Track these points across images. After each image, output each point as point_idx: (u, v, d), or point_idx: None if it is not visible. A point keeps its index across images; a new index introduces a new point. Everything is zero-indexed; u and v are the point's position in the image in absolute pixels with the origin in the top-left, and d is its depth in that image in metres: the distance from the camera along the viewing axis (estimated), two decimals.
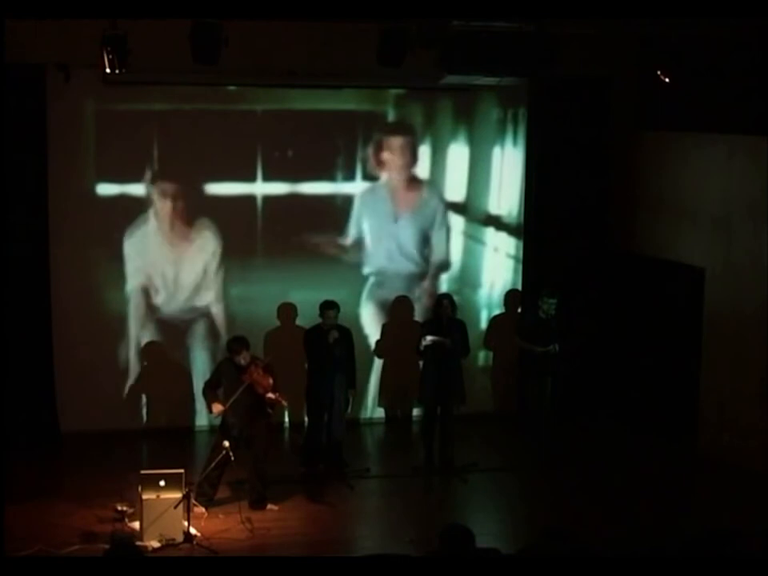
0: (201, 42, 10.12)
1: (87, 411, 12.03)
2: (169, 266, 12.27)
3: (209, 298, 12.43)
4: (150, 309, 12.28)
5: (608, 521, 10.06)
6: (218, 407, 10.20)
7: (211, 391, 10.36)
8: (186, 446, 11.96)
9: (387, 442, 12.80)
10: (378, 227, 12.77)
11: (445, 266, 13.02)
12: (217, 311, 12.45)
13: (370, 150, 12.66)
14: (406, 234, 12.86)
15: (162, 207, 12.18)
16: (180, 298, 12.35)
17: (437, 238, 12.95)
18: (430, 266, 12.97)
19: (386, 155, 12.70)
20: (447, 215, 12.96)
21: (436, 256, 12.98)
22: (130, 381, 12.32)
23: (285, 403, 10.52)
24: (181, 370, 12.43)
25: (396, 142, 12.71)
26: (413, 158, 12.81)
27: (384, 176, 12.74)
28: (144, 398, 12.35)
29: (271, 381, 10.22)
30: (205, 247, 12.34)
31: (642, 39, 12.09)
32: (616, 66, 12.56)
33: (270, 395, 10.21)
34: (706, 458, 11.77)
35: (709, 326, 11.97)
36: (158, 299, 12.28)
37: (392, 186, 12.79)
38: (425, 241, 12.93)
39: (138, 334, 12.31)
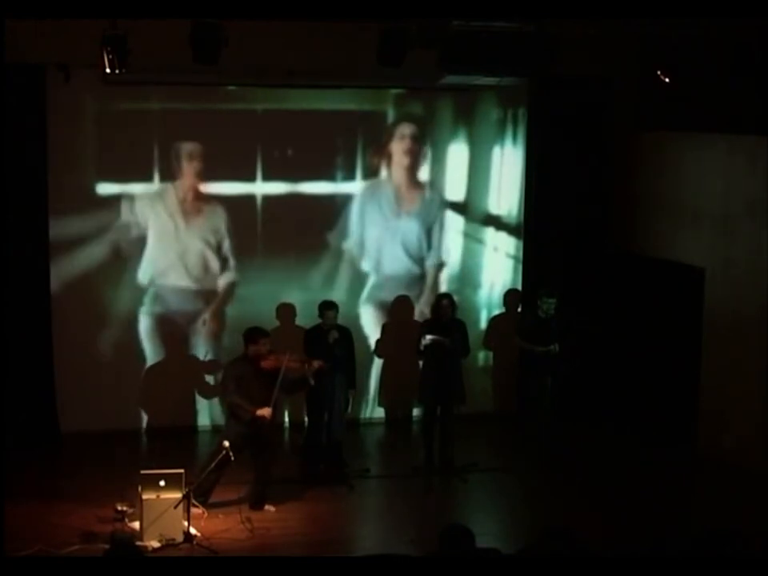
0: (201, 41, 10.13)
1: (87, 411, 12.03)
2: (176, 241, 12.26)
3: (220, 279, 12.41)
4: (151, 296, 12.26)
5: (608, 521, 10.06)
6: (266, 410, 10.03)
7: (243, 398, 10.14)
8: (186, 445, 11.96)
9: (387, 442, 12.80)
10: (381, 226, 12.78)
11: (446, 264, 13.03)
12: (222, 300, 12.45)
13: (375, 148, 12.69)
14: (410, 234, 12.88)
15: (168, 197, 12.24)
16: (190, 272, 12.32)
17: (439, 238, 12.97)
18: (431, 266, 12.98)
19: (393, 155, 12.74)
20: (447, 215, 12.97)
21: (439, 255, 12.99)
22: (131, 380, 12.32)
23: (323, 364, 10.58)
24: (182, 370, 12.43)
25: (403, 143, 12.74)
26: (419, 159, 12.84)
27: (385, 173, 12.75)
28: (145, 398, 12.35)
29: (299, 354, 10.36)
30: (213, 220, 12.33)
31: (642, 39, 12.09)
32: (616, 66, 12.56)
33: (314, 363, 10.33)
34: (706, 459, 11.77)
35: (709, 326, 11.97)
36: (168, 278, 12.27)
37: (395, 184, 12.81)
38: (428, 240, 12.93)
39: (139, 333, 12.31)
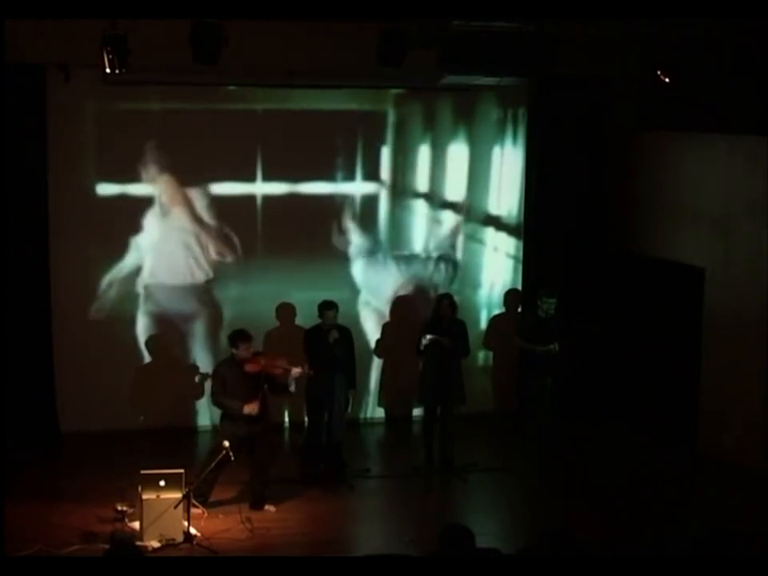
0: (201, 41, 10.14)
1: (87, 411, 12.03)
2: (167, 240, 12.26)
3: (205, 272, 12.40)
4: (149, 296, 12.25)
5: (608, 521, 10.06)
6: (252, 406, 10.03)
7: (228, 396, 10.20)
8: (186, 445, 11.96)
9: (387, 442, 12.80)
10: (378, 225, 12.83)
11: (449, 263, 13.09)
12: (215, 299, 12.43)
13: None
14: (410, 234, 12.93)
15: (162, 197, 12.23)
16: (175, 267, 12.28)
17: (439, 238, 13.01)
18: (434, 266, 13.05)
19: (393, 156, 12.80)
20: (447, 215, 13.00)
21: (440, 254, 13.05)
22: (130, 380, 12.32)
23: (308, 370, 10.56)
24: (181, 370, 12.43)
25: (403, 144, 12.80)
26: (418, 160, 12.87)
27: (384, 175, 12.76)
28: (144, 398, 12.35)
29: (283, 359, 10.28)
30: (193, 217, 12.30)
31: (642, 39, 12.09)
32: (616, 66, 12.56)
33: (294, 370, 10.27)
34: (707, 459, 11.77)
35: (709, 326, 11.97)
36: (151, 272, 12.21)
37: (394, 184, 12.82)
38: (428, 241, 12.96)
39: (138, 333, 12.31)
